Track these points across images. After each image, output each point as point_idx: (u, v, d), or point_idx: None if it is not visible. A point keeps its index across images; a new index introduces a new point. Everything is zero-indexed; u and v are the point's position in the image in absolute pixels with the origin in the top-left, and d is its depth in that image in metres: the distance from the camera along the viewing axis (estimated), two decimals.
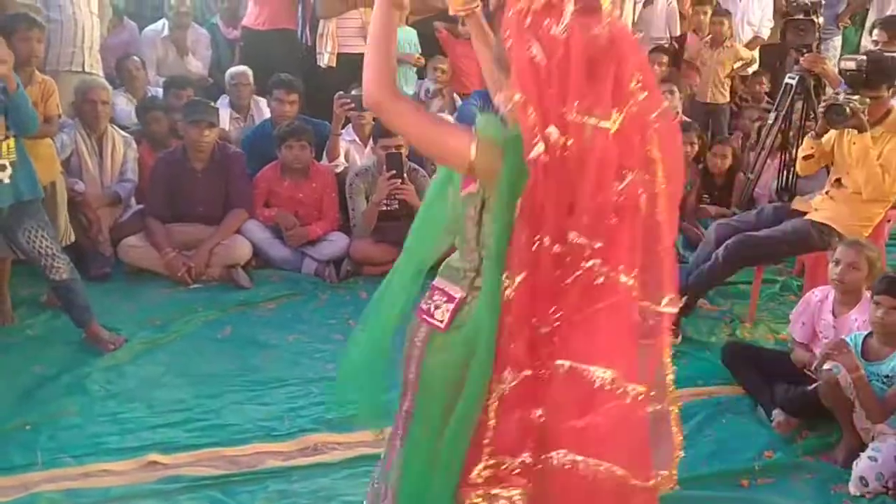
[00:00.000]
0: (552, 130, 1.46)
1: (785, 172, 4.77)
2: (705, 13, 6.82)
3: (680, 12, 7.07)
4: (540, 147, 1.46)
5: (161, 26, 5.98)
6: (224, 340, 3.73)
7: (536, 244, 1.50)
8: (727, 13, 6.75)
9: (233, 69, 5.59)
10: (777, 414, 3.13)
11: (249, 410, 3.07)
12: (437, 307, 1.69)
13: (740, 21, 7.06)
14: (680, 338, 3.86)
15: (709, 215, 5.36)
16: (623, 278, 1.51)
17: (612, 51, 1.49)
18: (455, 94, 6.28)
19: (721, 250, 3.79)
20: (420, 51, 6.07)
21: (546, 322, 1.52)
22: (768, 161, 4.96)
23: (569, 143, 1.46)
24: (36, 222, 3.32)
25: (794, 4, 4.80)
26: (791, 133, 4.79)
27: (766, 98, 6.57)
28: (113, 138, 4.59)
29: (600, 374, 1.51)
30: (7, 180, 3.18)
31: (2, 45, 2.96)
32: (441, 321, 1.67)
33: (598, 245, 1.49)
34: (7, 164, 3.17)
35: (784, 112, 4.73)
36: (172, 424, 2.94)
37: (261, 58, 5.69)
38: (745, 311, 4.20)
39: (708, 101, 6.63)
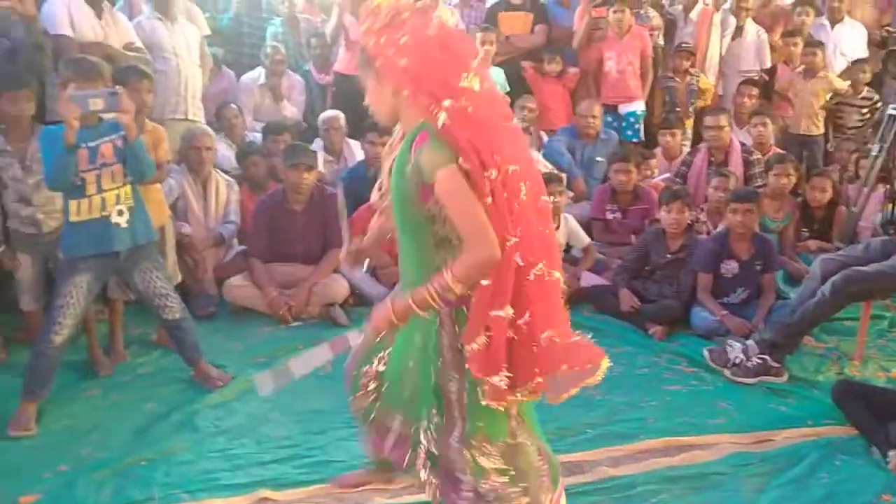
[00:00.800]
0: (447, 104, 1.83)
1: (890, 205, 4.62)
2: (796, 44, 6.70)
3: (770, 44, 6.97)
4: (443, 116, 1.83)
5: (258, 74, 6.23)
6: (325, 378, 3.75)
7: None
8: (820, 44, 6.61)
9: (324, 114, 5.76)
10: (893, 455, 3.00)
11: (354, 447, 3.09)
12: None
13: (833, 52, 6.90)
14: (786, 376, 3.76)
15: (808, 249, 5.22)
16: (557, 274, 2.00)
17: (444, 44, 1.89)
18: (542, 132, 6.32)
19: (828, 286, 3.68)
20: (508, 90, 6.13)
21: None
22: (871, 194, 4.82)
23: (468, 109, 1.85)
24: (151, 263, 3.45)
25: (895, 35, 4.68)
26: (893, 165, 4.65)
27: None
28: (217, 182, 4.79)
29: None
30: (125, 225, 3.31)
31: (125, 96, 3.13)
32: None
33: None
34: (125, 209, 3.31)
35: (888, 144, 4.59)
36: (281, 460, 3.00)
37: (352, 101, 5.82)
38: (852, 348, 4.07)
39: (802, 132, 6.49)
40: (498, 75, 6.11)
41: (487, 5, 6.86)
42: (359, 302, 4.66)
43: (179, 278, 4.27)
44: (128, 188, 3.34)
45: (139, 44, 4.72)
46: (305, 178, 4.55)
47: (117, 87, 3.21)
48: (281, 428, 3.26)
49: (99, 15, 4.49)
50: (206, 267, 4.56)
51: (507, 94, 6.11)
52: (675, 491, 2.84)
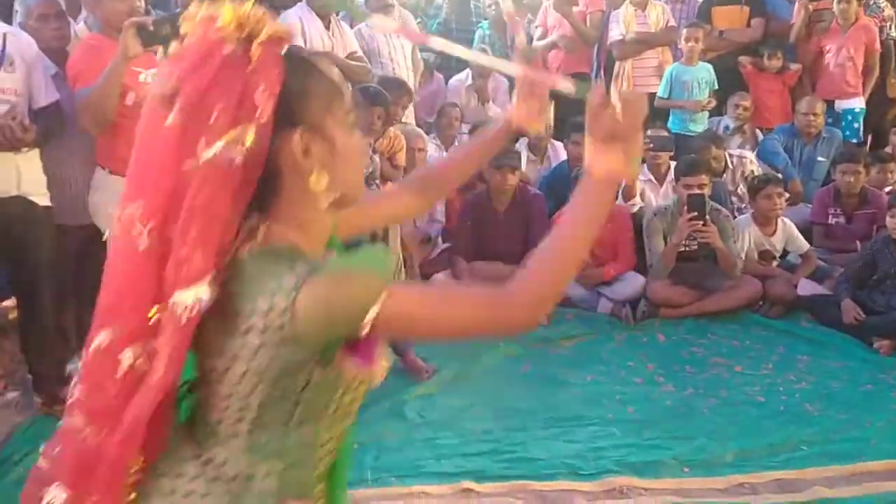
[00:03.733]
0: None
1: None
2: None
3: None
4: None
5: (465, 76, 6.40)
6: (525, 376, 3.86)
7: None
8: None
9: None
10: None
11: (553, 446, 3.13)
12: None
13: None
14: None
15: None
16: None
17: None
18: (757, 129, 6.01)
19: None
20: (717, 87, 5.88)
21: None
22: None
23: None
24: None
25: None
26: None
27: None
28: None
29: None
30: None
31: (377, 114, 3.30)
32: None
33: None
34: None
35: None
36: (482, 454, 3.07)
37: (556, 102, 5.86)
38: None
39: None
40: (705, 72, 5.86)
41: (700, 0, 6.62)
42: (559, 302, 4.66)
43: (403, 275, 4.50)
44: None
45: (360, 52, 5.00)
46: (509, 179, 4.62)
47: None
48: (482, 423, 3.34)
49: (327, 26, 4.82)
50: (413, 263, 4.76)
51: (716, 91, 5.87)
52: None
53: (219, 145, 1.01)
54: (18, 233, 3.12)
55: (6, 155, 3.00)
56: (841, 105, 6.06)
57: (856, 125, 6.04)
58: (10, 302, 3.81)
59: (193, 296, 1.02)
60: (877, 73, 6.12)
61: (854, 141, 5.93)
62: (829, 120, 5.97)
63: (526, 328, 1.12)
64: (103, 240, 3.28)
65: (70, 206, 3.35)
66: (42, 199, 3.19)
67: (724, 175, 5.27)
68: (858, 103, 6.06)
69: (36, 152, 3.16)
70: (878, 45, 6.04)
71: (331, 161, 1.10)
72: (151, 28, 2.98)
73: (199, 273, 1.02)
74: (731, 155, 5.35)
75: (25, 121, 3.00)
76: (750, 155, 5.43)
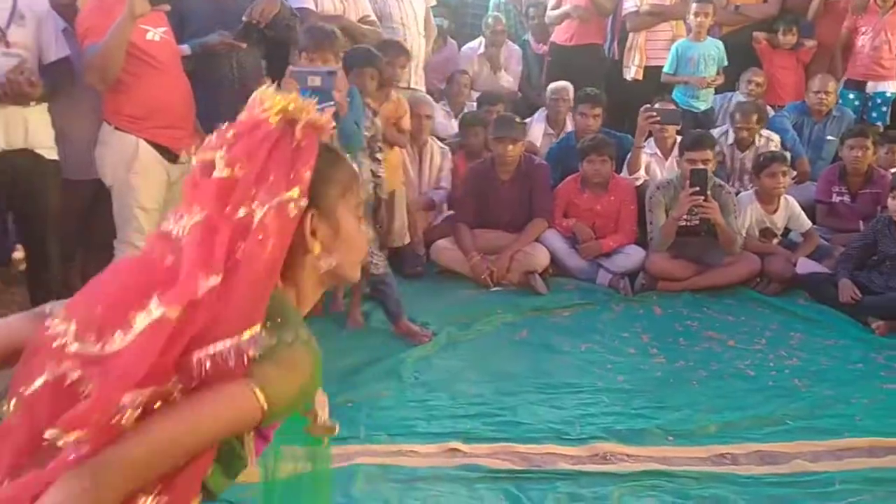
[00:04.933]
0: None
1: None
2: None
3: None
4: None
5: (478, 44, 6.38)
6: (520, 342, 3.91)
7: None
8: None
9: (554, 84, 5.69)
10: None
11: (542, 412, 3.19)
12: None
13: None
14: None
15: None
16: None
17: None
18: (768, 106, 5.97)
19: None
20: (726, 63, 5.82)
21: None
22: None
23: None
24: None
25: None
26: None
27: None
28: (432, 149, 5.02)
29: None
30: None
31: (342, 76, 3.36)
32: None
33: None
34: None
35: None
36: (472, 416, 3.13)
37: (567, 72, 5.85)
38: None
39: None
40: (713, 48, 5.80)
41: None
42: (558, 272, 4.72)
43: (408, 240, 4.56)
44: None
45: (373, 16, 5.00)
46: (510, 150, 4.64)
47: (337, 67, 3.44)
48: (474, 386, 3.41)
49: None
50: (416, 229, 4.81)
51: (726, 67, 5.83)
52: (878, 493, 2.65)
53: (282, 197, 1.15)
54: (26, 185, 3.19)
55: (14, 108, 3.06)
56: (873, 87, 5.96)
57: (884, 109, 5.93)
58: (19, 254, 3.90)
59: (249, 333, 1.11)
60: None
61: (880, 124, 5.86)
62: (857, 102, 5.92)
63: None
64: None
65: (77, 160, 3.42)
66: (49, 152, 3.25)
67: (747, 153, 5.26)
68: (891, 87, 5.96)
69: (44, 107, 3.22)
70: None
71: (332, 244, 1.24)
72: None
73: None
74: (759, 135, 5.32)
75: (34, 76, 3.06)
76: (776, 138, 5.39)
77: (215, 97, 3.51)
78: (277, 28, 3.86)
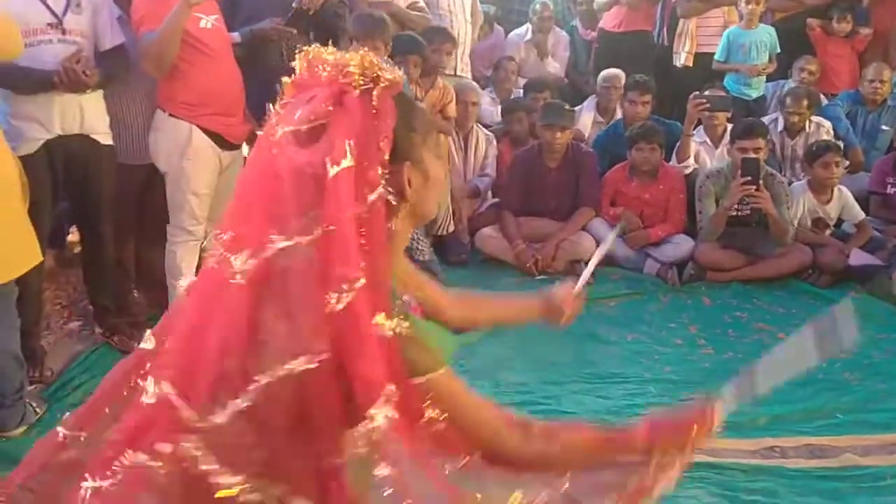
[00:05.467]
0: None
1: None
2: None
3: None
4: None
5: (525, 30, 6.34)
6: (565, 332, 3.80)
7: None
8: None
9: (606, 72, 5.59)
10: None
11: (587, 401, 3.18)
12: None
13: None
14: None
15: None
16: None
17: None
18: (822, 94, 5.84)
19: None
20: (779, 51, 5.71)
21: None
22: None
23: None
24: None
25: None
26: None
27: None
28: (477, 136, 5.01)
29: None
30: None
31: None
32: None
33: None
34: None
35: None
36: (515, 405, 3.11)
37: (615, 59, 5.78)
38: None
39: None
40: (766, 35, 5.68)
41: None
42: (604, 261, 4.67)
43: (452, 227, 4.57)
44: None
45: (422, 3, 5.00)
46: (558, 137, 4.61)
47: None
48: (519, 374, 3.41)
49: None
50: (461, 216, 4.82)
51: (779, 54, 5.71)
52: None
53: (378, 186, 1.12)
54: (81, 169, 3.26)
55: (70, 95, 3.11)
56: None
57: None
58: (74, 237, 3.99)
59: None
60: None
61: None
62: None
63: (506, 467, 1.25)
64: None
65: (131, 146, 3.48)
66: (104, 137, 3.31)
67: (798, 139, 5.17)
68: None
69: (99, 93, 3.27)
70: None
71: (425, 190, 1.23)
72: None
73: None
74: (809, 121, 5.23)
75: (89, 66, 3.11)
76: (827, 124, 5.28)
77: (265, 84, 3.53)
78: (326, 15, 3.89)
